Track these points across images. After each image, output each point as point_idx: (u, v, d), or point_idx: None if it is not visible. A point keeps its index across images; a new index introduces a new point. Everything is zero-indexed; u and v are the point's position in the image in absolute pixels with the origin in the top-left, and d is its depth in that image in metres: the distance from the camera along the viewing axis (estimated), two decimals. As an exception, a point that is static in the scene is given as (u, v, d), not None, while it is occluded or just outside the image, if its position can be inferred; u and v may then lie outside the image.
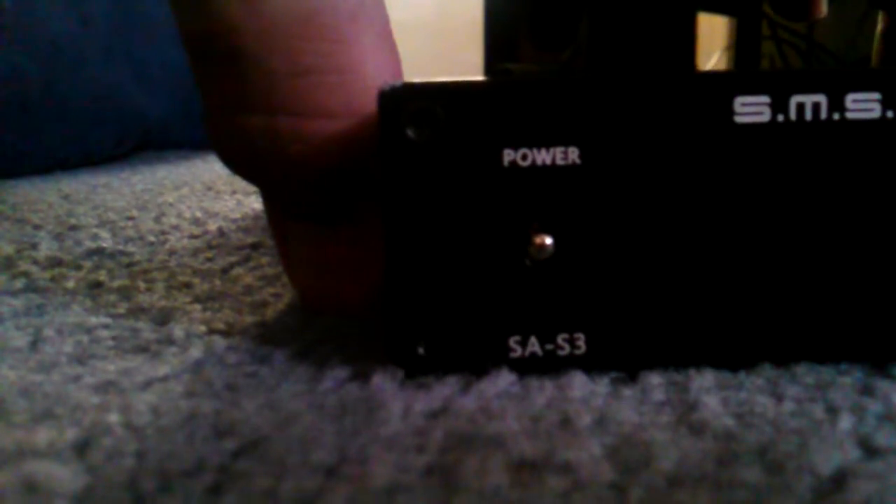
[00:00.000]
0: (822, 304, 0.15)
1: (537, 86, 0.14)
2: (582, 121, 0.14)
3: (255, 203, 0.36)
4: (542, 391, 0.14)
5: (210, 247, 0.27)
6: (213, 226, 0.31)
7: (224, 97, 0.15)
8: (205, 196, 0.39)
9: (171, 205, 0.36)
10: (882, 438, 0.13)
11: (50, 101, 0.51)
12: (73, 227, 0.31)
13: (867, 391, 0.14)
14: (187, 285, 0.22)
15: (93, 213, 0.34)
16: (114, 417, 0.13)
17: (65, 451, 0.12)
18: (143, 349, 0.17)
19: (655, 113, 0.14)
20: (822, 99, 0.14)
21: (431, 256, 0.15)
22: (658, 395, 0.14)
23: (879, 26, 0.35)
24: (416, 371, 0.15)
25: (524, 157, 0.15)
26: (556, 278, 0.15)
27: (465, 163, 0.15)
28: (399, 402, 0.14)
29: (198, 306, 0.20)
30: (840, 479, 0.12)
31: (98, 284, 0.22)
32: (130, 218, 0.33)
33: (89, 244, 0.28)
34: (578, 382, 0.15)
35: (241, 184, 0.41)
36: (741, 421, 0.13)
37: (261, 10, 0.15)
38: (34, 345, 0.17)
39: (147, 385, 0.15)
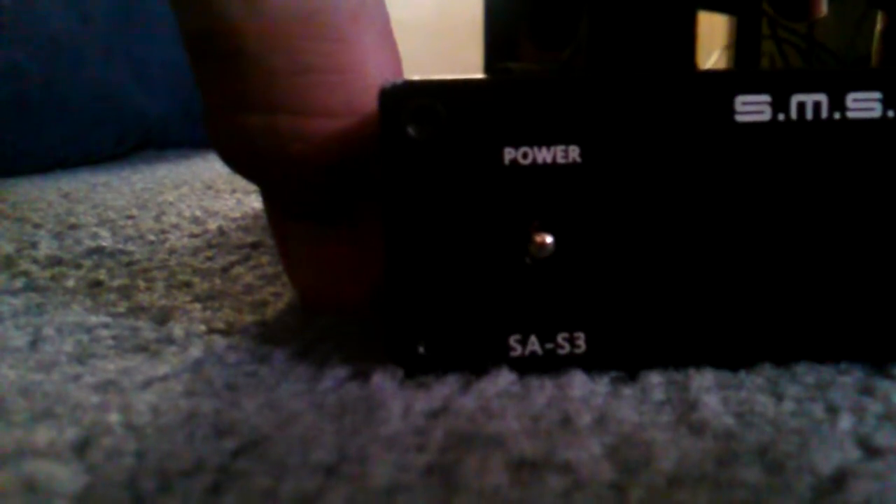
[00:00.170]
0: (823, 303, 0.15)
1: (538, 84, 0.14)
2: (583, 120, 0.14)
3: (255, 202, 0.36)
4: (542, 390, 0.14)
5: (210, 246, 0.27)
6: (213, 225, 0.31)
7: (224, 96, 0.15)
8: (205, 195, 0.39)
9: (171, 204, 0.36)
10: (882, 438, 0.13)
11: (50, 99, 0.51)
12: (73, 226, 0.31)
13: (867, 391, 0.14)
14: (187, 284, 0.22)
15: (93, 212, 0.34)
16: (113, 417, 0.13)
17: (64, 451, 0.12)
18: (142, 348, 0.17)
19: (656, 112, 0.14)
20: (822, 98, 0.14)
21: (432, 255, 0.15)
22: (658, 395, 0.14)
23: (879, 26, 0.35)
24: (416, 370, 0.15)
25: (525, 156, 0.15)
26: (556, 277, 0.15)
27: (465, 161, 0.15)
28: (399, 402, 0.14)
29: (198, 305, 0.20)
30: (840, 479, 0.12)
31: (98, 283, 0.22)
32: (130, 217, 0.33)
33: (89, 243, 0.27)
34: (578, 382, 0.15)
35: (241, 183, 0.41)
36: (741, 420, 0.13)
37: (262, 9, 0.15)
38: (34, 344, 0.17)
39: (147, 384, 0.15)
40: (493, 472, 0.12)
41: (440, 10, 1.15)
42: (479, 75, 0.15)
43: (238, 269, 0.23)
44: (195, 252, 0.26)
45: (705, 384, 0.15)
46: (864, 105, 0.14)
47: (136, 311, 0.20)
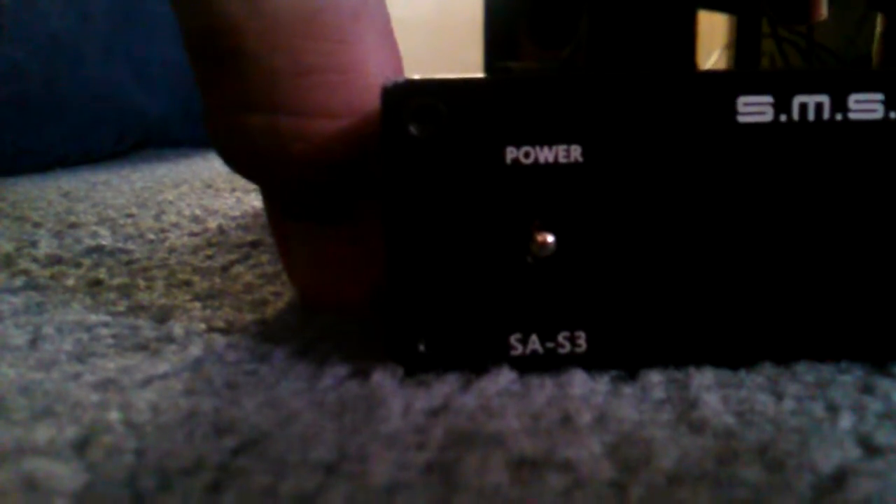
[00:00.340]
0: (823, 302, 0.15)
1: (540, 83, 0.14)
2: (584, 119, 0.14)
3: (254, 201, 0.36)
4: (543, 389, 0.14)
5: (210, 245, 0.27)
6: (212, 224, 0.31)
7: (225, 96, 0.15)
8: (204, 194, 0.39)
9: (170, 202, 0.36)
10: (882, 437, 0.13)
11: (50, 98, 0.51)
12: (73, 225, 0.31)
13: (867, 389, 0.14)
14: (187, 283, 0.22)
15: (92, 211, 0.34)
16: (113, 415, 0.13)
17: (64, 449, 0.12)
18: (142, 347, 0.17)
19: (658, 112, 0.14)
20: (825, 99, 0.14)
21: (432, 253, 0.15)
22: (658, 393, 0.14)
23: (879, 27, 0.35)
24: (417, 368, 0.15)
25: (526, 155, 0.15)
26: (557, 276, 0.15)
27: (467, 160, 0.14)
28: (399, 400, 0.14)
29: (197, 304, 0.20)
30: (840, 478, 0.12)
31: (98, 282, 0.22)
32: (130, 216, 0.33)
33: (89, 242, 0.27)
34: (579, 380, 0.15)
35: (240, 181, 0.41)
36: (741, 419, 0.13)
37: (263, 8, 0.15)
38: (34, 343, 0.17)
39: (147, 383, 0.15)
40: (494, 470, 0.12)
41: (440, 8, 1.15)
42: (481, 74, 0.15)
43: (238, 268, 0.23)
44: (195, 251, 0.26)
45: (705, 383, 0.15)
46: (866, 106, 0.14)
47: (136, 309, 0.20)
